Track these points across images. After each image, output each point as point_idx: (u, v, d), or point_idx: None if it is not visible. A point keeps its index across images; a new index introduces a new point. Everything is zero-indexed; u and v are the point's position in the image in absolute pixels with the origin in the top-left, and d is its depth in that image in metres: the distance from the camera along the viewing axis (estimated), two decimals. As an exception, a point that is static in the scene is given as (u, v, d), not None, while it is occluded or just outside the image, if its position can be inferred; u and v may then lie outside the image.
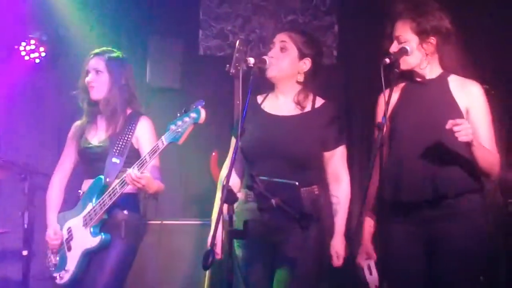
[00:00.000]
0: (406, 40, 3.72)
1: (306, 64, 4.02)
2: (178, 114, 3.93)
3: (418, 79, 3.81)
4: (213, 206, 4.07)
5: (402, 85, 3.85)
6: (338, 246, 3.95)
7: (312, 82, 4.06)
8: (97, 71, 4.37)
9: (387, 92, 3.48)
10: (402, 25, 3.74)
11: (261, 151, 3.93)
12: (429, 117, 3.68)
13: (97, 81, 4.36)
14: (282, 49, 4.00)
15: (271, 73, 3.97)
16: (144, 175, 4.04)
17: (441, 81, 3.77)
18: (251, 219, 3.79)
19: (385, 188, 3.65)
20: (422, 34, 3.70)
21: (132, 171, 4.05)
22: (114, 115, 4.36)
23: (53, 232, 4.39)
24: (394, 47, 3.73)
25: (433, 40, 3.72)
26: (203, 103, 3.87)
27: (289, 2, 6.49)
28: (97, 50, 4.45)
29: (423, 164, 3.64)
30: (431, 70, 3.79)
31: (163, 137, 4.00)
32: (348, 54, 6.48)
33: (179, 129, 3.91)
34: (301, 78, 4.03)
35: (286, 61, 3.99)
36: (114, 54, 4.45)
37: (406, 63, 3.72)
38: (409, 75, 3.81)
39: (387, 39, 3.77)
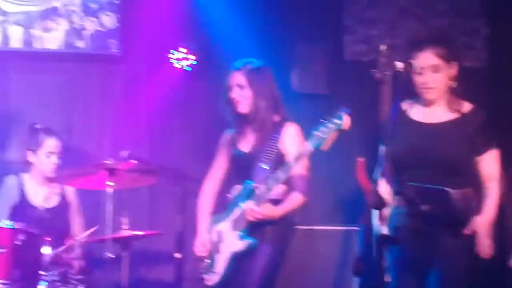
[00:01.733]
0: None
1: (454, 70, 3.98)
2: (322, 120, 3.96)
3: None
4: (360, 212, 4.07)
5: None
6: (483, 231, 3.85)
7: (460, 87, 4.00)
8: (240, 87, 4.45)
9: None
10: None
11: (413, 158, 3.90)
12: None
13: (241, 96, 4.45)
14: (434, 71, 3.96)
15: (430, 96, 3.94)
16: (259, 209, 4.15)
17: None
18: (402, 224, 3.77)
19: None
20: None
21: (247, 205, 4.15)
22: (262, 125, 4.45)
23: (201, 244, 4.53)
24: None
25: None
26: (347, 110, 3.89)
27: (437, 5, 6.36)
28: (237, 64, 4.53)
29: None
30: None
31: (307, 143, 4.05)
32: (498, 57, 6.28)
33: (323, 135, 3.94)
34: (450, 84, 3.99)
35: (438, 80, 3.96)
36: (254, 66, 4.51)
37: None
38: None
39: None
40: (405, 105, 4.09)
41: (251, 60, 4.54)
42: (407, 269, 3.92)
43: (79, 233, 5.24)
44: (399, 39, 6.23)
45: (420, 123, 4.00)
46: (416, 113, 4.05)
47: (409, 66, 3.77)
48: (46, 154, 5.30)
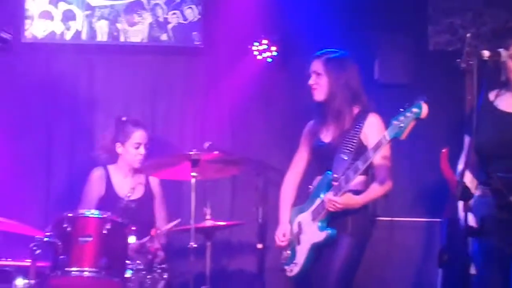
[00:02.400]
0: None
1: None
2: (401, 110, 3.92)
3: None
4: (442, 204, 4.01)
5: None
6: None
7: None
8: (317, 74, 4.46)
9: None
10: None
11: (500, 149, 3.82)
12: None
13: (317, 83, 4.45)
14: None
15: None
16: (339, 199, 4.13)
17: None
18: (488, 215, 3.70)
19: None
20: None
21: (327, 195, 4.14)
22: (339, 115, 4.43)
23: (282, 234, 4.55)
24: None
25: None
26: (426, 98, 3.84)
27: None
28: (318, 52, 4.54)
29: None
30: None
31: (385, 133, 4.02)
32: None
33: (402, 124, 3.90)
34: None
35: None
36: (334, 55, 4.50)
37: None
38: None
39: None
40: (491, 95, 4.00)
41: (333, 50, 4.53)
42: (492, 261, 3.84)
43: (163, 223, 5.33)
44: (484, 28, 6.11)
45: (509, 113, 3.91)
46: (504, 103, 3.96)
47: (496, 54, 3.69)
48: (134, 145, 5.41)
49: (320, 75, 4.44)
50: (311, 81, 4.47)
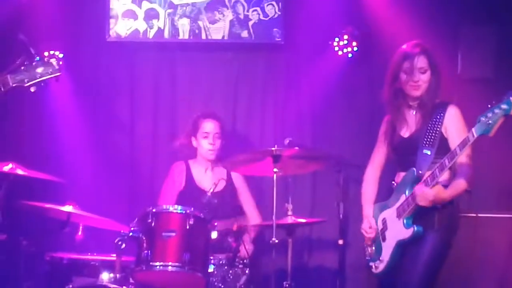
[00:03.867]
0: None
1: None
2: (489, 106, 3.85)
3: None
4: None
5: None
6: None
7: None
8: (424, 70, 4.38)
9: None
10: None
11: None
12: None
13: (423, 80, 4.38)
14: None
15: None
16: (431, 191, 4.07)
17: None
18: None
19: None
20: None
21: (417, 187, 4.10)
22: (424, 108, 4.38)
23: (368, 226, 4.51)
24: None
25: None
26: (515, 95, 3.75)
27: None
28: (414, 47, 4.44)
29: None
30: None
31: (473, 129, 3.94)
32: None
33: (490, 121, 3.83)
34: None
35: None
36: (429, 49, 4.44)
37: None
38: None
39: None
40: None
41: (420, 43, 4.46)
42: None
43: (254, 217, 5.36)
44: None
45: None
46: None
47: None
48: (203, 135, 5.48)
49: (426, 71, 4.39)
50: (415, 78, 4.39)
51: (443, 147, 4.21)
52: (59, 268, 4.86)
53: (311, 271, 5.98)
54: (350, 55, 6.13)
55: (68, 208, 4.84)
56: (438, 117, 4.33)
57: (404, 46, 4.49)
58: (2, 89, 3.19)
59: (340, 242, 5.41)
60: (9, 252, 4.82)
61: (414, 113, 4.44)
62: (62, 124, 5.95)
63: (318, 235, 5.99)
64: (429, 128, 4.32)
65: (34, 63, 3.17)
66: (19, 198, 4.85)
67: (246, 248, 4.91)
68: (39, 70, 3.10)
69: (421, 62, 4.38)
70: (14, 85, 3.14)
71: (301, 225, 5.14)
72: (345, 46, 6.12)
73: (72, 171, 5.85)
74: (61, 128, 5.84)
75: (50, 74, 3.13)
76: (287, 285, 4.75)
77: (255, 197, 5.69)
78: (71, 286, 4.71)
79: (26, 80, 3.19)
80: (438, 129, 4.30)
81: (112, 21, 6.20)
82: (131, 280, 4.57)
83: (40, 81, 3.13)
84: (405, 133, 4.46)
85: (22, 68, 3.18)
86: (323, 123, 6.23)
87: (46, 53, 5.55)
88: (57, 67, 3.12)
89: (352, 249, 5.46)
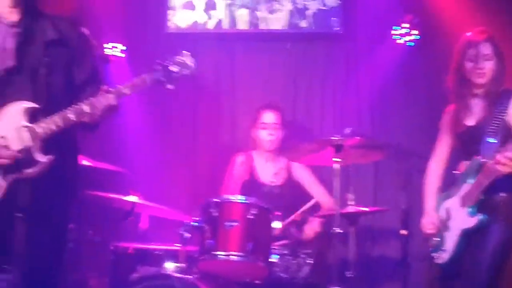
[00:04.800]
0: None
1: None
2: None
3: None
4: None
5: None
6: None
7: None
8: (487, 57, 4.33)
9: None
10: None
11: None
12: None
13: (487, 67, 4.32)
14: None
15: None
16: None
17: None
18: None
19: None
20: None
21: (502, 155, 4.00)
22: (489, 96, 4.33)
23: (429, 221, 4.47)
24: None
25: None
26: None
27: None
28: (478, 35, 4.39)
29: None
30: None
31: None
32: None
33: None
34: None
35: None
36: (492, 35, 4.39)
37: None
38: None
39: None
40: None
41: (485, 30, 4.40)
42: None
43: (327, 203, 5.36)
44: None
45: None
46: None
47: None
48: (262, 126, 5.50)
49: (491, 58, 4.33)
50: (480, 66, 4.34)
51: (509, 136, 4.14)
52: (124, 258, 4.92)
53: (374, 261, 5.94)
54: (410, 43, 6.06)
55: (132, 198, 4.90)
56: (503, 105, 4.27)
57: (468, 34, 4.44)
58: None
59: (403, 232, 5.37)
60: (75, 241, 4.89)
61: (478, 101, 4.38)
62: (125, 114, 6.01)
63: (380, 225, 5.94)
64: (494, 116, 4.27)
65: (168, 62, 3.30)
66: (84, 188, 4.91)
67: (309, 237, 4.91)
68: (174, 68, 3.22)
69: (486, 49, 4.33)
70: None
71: (363, 215, 5.12)
72: (405, 34, 6.06)
73: (135, 161, 5.91)
74: (124, 119, 5.90)
75: (184, 72, 3.26)
76: (349, 275, 4.73)
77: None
78: (135, 275, 4.76)
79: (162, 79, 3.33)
80: (502, 117, 4.24)
81: (171, 12, 6.24)
82: (195, 270, 4.61)
83: (176, 78, 3.26)
84: (469, 121, 4.40)
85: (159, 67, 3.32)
86: (382, 112, 6.18)
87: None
88: (191, 64, 3.24)
89: (414, 239, 5.40)
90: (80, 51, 3.56)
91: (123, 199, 4.91)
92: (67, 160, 3.52)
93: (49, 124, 3.34)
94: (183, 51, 3.32)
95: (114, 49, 6.05)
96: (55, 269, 3.50)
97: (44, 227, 3.41)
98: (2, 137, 3.33)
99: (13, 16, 3.49)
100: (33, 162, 3.34)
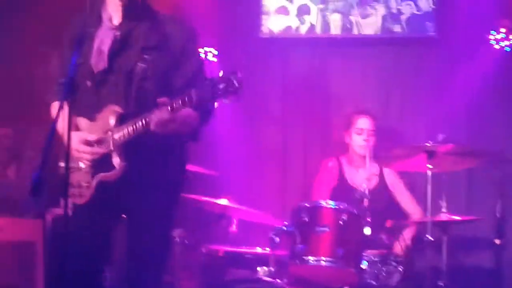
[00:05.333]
0: None
1: None
2: None
3: None
4: None
5: None
6: None
7: None
8: None
9: None
10: None
11: None
12: None
13: None
14: None
15: None
16: None
17: None
18: None
19: None
20: None
21: None
22: None
23: None
24: None
25: None
26: None
27: None
28: None
29: None
30: None
31: None
32: None
33: None
34: None
35: None
36: None
37: None
38: None
39: None
40: None
41: None
42: None
43: (415, 212, 5.30)
44: None
45: None
46: None
47: None
48: (357, 131, 5.47)
49: None
50: None
51: None
52: (215, 260, 4.98)
53: (467, 270, 5.80)
54: (507, 48, 5.93)
55: (223, 202, 4.95)
56: None
57: None
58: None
59: (497, 241, 5.25)
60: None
61: None
62: (216, 118, 6.07)
63: (473, 234, 5.81)
64: None
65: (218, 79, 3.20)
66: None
67: (401, 245, 4.85)
68: (221, 85, 3.16)
69: None
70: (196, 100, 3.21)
71: (456, 223, 5.03)
72: (502, 39, 5.92)
73: (226, 164, 5.97)
74: (215, 122, 5.97)
75: (229, 90, 3.16)
76: (442, 284, 4.66)
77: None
78: (226, 278, 4.81)
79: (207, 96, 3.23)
80: None
81: (264, 17, 6.28)
82: (285, 274, 4.62)
83: (221, 95, 3.17)
84: None
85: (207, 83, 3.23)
86: (478, 118, 6.04)
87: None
88: (237, 84, 3.15)
89: (509, 248, 5.29)
90: (185, 52, 3.51)
91: (214, 202, 4.97)
92: (173, 165, 3.53)
93: (123, 131, 3.37)
94: (237, 70, 3.20)
95: (208, 54, 6.13)
96: (158, 271, 3.52)
97: (148, 230, 3.46)
98: (94, 138, 3.43)
99: (116, 19, 3.53)
100: (110, 166, 3.40)
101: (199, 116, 3.45)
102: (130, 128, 3.34)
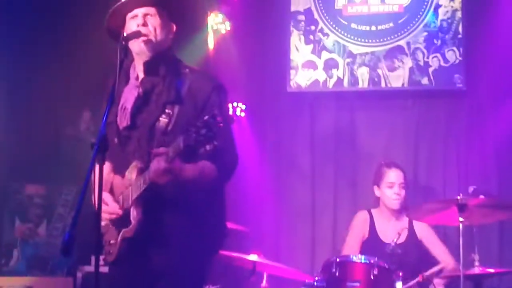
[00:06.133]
0: None
1: None
2: None
3: None
4: None
5: None
6: None
7: None
8: None
9: None
10: None
11: None
12: None
13: None
14: None
15: None
16: None
17: None
18: None
19: None
20: None
21: None
22: None
23: None
24: None
25: None
26: None
27: None
28: None
29: None
30: None
31: None
32: None
33: None
34: None
35: None
36: None
37: None
38: None
39: None
40: None
41: None
42: None
43: (447, 263, 5.24)
44: None
45: None
46: None
47: None
48: (388, 185, 5.44)
49: None
50: None
51: None
52: (246, 316, 4.95)
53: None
54: None
55: (253, 257, 4.93)
56: None
57: None
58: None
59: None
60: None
61: None
62: (245, 172, 6.09)
63: (507, 286, 5.74)
64: None
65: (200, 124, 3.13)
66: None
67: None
68: (203, 131, 3.10)
69: None
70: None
71: (489, 276, 4.95)
72: None
73: (256, 220, 5.97)
74: (243, 176, 5.99)
75: (210, 135, 3.09)
76: None
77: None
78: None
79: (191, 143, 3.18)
80: None
81: (292, 72, 6.34)
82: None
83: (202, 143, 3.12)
84: None
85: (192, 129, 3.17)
86: (508, 169, 6.00)
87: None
88: (215, 130, 3.08)
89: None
90: (208, 104, 3.47)
91: (244, 258, 4.95)
92: (208, 219, 3.52)
93: (136, 185, 3.39)
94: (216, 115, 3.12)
95: (236, 109, 6.17)
96: None
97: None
98: (118, 193, 3.45)
99: (141, 76, 3.58)
100: (129, 221, 3.41)
101: (216, 169, 3.43)
102: (141, 181, 3.36)
